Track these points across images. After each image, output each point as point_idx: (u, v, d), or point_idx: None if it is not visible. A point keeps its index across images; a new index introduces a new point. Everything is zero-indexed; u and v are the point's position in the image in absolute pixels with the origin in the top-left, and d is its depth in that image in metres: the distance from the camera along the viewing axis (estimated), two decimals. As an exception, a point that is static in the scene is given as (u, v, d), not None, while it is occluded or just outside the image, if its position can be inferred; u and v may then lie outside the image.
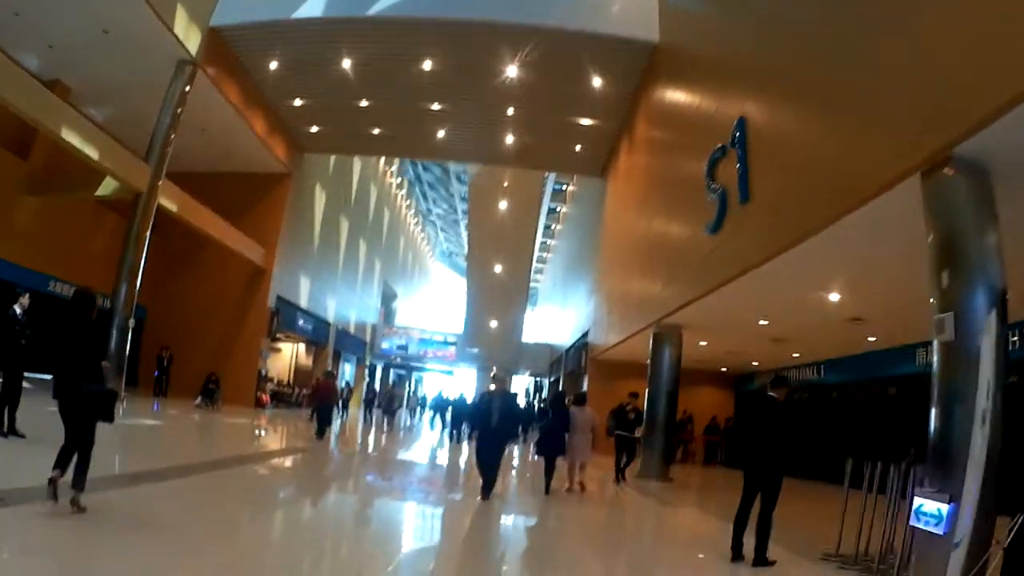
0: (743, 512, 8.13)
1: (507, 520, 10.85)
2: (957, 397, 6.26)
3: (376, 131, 27.88)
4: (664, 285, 17.34)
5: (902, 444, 9.56)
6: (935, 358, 6.62)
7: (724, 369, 27.61)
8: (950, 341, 6.37)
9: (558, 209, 47.42)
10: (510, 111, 24.95)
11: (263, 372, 28.63)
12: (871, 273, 11.43)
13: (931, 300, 6.73)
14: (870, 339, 17.68)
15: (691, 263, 14.90)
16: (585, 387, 28.01)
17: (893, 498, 8.17)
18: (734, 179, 12.03)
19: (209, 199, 24.93)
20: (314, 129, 28.33)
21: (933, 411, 6.50)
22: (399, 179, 51.06)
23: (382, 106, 25.78)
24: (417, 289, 66.49)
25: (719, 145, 13.00)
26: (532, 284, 57.64)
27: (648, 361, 19.16)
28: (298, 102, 26.04)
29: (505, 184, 35.52)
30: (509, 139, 27.26)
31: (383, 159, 44.95)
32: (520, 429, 29.15)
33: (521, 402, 35.10)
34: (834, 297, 13.15)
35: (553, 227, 50.48)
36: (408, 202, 56.25)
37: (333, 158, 34.93)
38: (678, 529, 12.05)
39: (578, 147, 27.60)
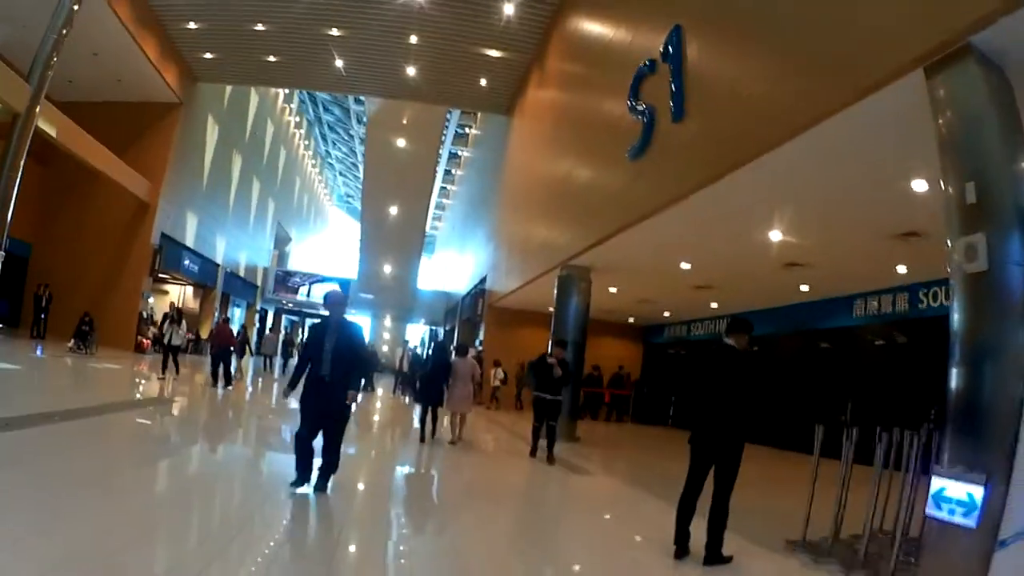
0: (690, 494, 6.35)
1: (369, 480, 9.53)
2: (992, 344, 5.02)
3: (273, 59, 26.50)
4: (574, 223, 16.53)
5: (836, 401, 9.04)
6: (956, 296, 5.32)
7: (632, 320, 27.35)
8: (982, 271, 5.10)
9: (459, 154, 46.43)
10: (413, 39, 23.89)
11: (145, 314, 27.06)
12: (823, 205, 10.48)
13: (949, 226, 5.48)
14: (803, 288, 16.98)
15: (607, 197, 14.06)
16: (482, 335, 27.52)
17: (881, 469, 6.68)
18: (665, 95, 10.99)
19: (98, 129, 23.63)
20: (209, 56, 26.75)
21: (955, 363, 5.19)
22: (297, 118, 49.08)
23: (279, 31, 24.42)
24: (313, 233, 64.61)
25: (646, 60, 12.06)
26: (431, 232, 56.69)
27: (552, 308, 18.29)
28: (193, 25, 24.46)
29: (404, 121, 34.12)
30: (411, 71, 26.21)
31: (281, 96, 43.18)
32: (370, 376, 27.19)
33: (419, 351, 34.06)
34: (775, 236, 12.23)
35: (454, 172, 49.50)
36: (306, 143, 54.29)
37: (228, 91, 33.17)
38: (596, 507, 9.63)
39: (484, 81, 26.74)
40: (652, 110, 11.80)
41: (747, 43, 9.14)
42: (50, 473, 6.87)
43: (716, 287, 18.32)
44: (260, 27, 24.04)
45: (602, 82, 15.53)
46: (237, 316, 42.14)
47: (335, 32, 24.01)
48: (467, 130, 42.97)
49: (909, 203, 9.21)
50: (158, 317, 30.94)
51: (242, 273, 40.45)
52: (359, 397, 7.66)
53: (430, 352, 16.92)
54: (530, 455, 12.89)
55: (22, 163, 18.78)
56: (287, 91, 43.74)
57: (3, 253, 18.43)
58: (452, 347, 17.74)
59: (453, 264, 45.94)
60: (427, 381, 14.12)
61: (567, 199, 17.46)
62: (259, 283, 44.89)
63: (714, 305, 21.51)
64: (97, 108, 25.64)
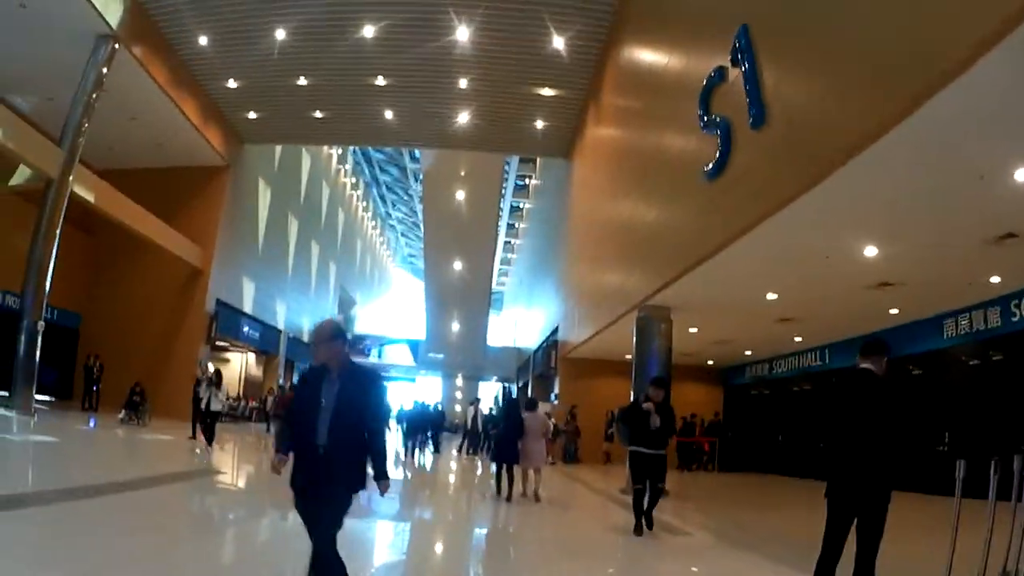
0: (830, 558, 5.03)
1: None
2: None
3: (319, 115, 25.52)
4: (649, 260, 14.87)
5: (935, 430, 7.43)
6: None
7: (711, 362, 25.43)
8: None
9: (521, 206, 45.39)
10: (463, 83, 22.68)
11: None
12: (919, 209, 8.89)
13: None
14: (892, 312, 15.12)
15: (683, 228, 12.56)
16: (556, 389, 25.95)
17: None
18: (740, 103, 9.58)
19: (144, 196, 23.28)
20: (252, 115, 25.97)
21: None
22: (353, 179, 48.62)
23: (323, 84, 23.55)
24: (378, 296, 63.98)
25: (715, 68, 10.64)
26: (497, 288, 55.52)
27: (629, 356, 16.68)
28: (233, 83, 23.72)
29: (462, 173, 32.75)
30: (463, 118, 24.95)
31: (335, 157, 42.64)
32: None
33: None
34: (869, 252, 10.69)
35: (517, 225, 48.49)
36: (364, 204, 53.79)
37: (278, 153, 32.58)
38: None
39: (540, 123, 25.31)
40: (727, 122, 10.28)
41: (827, 29, 7.80)
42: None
43: (801, 318, 16.61)
44: (303, 81, 23.14)
45: (665, 108, 14.17)
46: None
47: (380, 81, 22.99)
48: (527, 180, 42.06)
49: (1010, 198, 8.04)
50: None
51: (306, 339, 39.51)
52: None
53: (500, 410, 15.88)
54: (635, 532, 9.52)
55: (58, 229, 18.39)
56: (340, 151, 43.33)
57: (43, 322, 17.77)
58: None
59: (522, 320, 44.53)
60: (501, 439, 13.82)
61: (639, 237, 15.84)
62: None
63: (798, 339, 19.72)
64: (142, 175, 25.41)
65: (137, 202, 22.70)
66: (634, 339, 16.10)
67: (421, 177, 38.33)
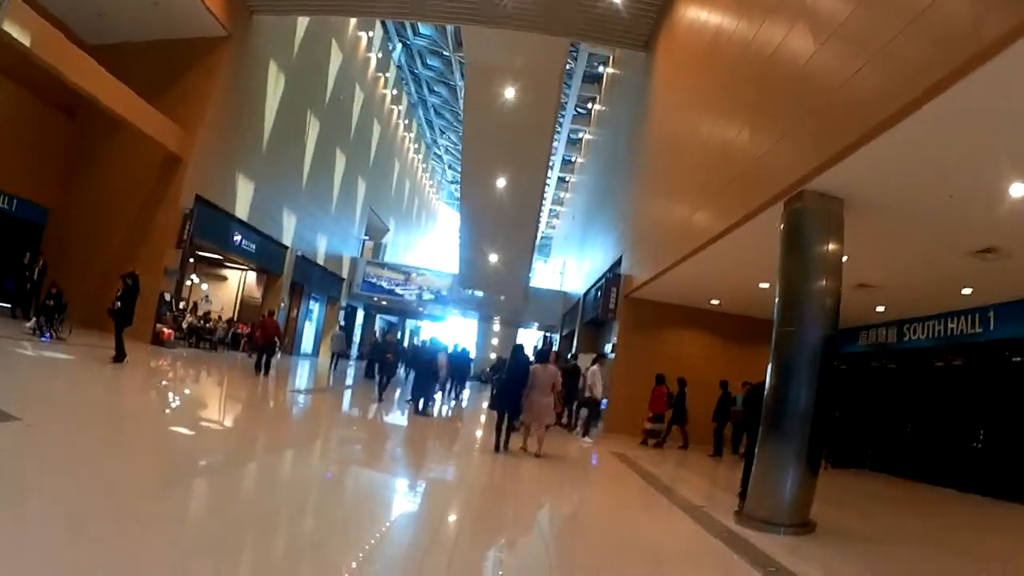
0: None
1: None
2: None
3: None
4: (810, 116, 8.30)
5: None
6: None
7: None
8: None
9: (581, 136, 39.80)
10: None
11: (167, 297, 20.93)
12: None
13: None
14: None
15: (884, 50, 6.35)
16: (614, 339, 20.69)
17: None
18: None
19: (135, 75, 19.83)
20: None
21: None
22: (395, 91, 43.15)
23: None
24: (417, 228, 58.77)
25: None
26: (547, 231, 50.17)
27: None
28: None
29: (515, 63, 25.96)
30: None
31: (373, 60, 37.17)
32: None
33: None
34: None
35: (574, 160, 43.01)
36: (407, 122, 48.30)
37: (299, 36, 27.27)
38: None
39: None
40: None
41: None
42: None
43: (1018, 252, 9.93)
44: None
45: None
46: (315, 313, 36.29)
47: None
48: (590, 106, 36.44)
49: None
50: (216, 310, 26.18)
51: (321, 261, 34.37)
52: None
53: (510, 358, 13.89)
54: None
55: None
56: (380, 55, 37.89)
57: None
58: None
59: (573, 266, 38.92)
60: (503, 388, 13.21)
61: (785, 77, 9.24)
62: (345, 275, 38.96)
63: (966, 291, 13.21)
64: (135, 49, 21.82)
65: (127, 82, 18.80)
66: (779, 252, 8.87)
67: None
